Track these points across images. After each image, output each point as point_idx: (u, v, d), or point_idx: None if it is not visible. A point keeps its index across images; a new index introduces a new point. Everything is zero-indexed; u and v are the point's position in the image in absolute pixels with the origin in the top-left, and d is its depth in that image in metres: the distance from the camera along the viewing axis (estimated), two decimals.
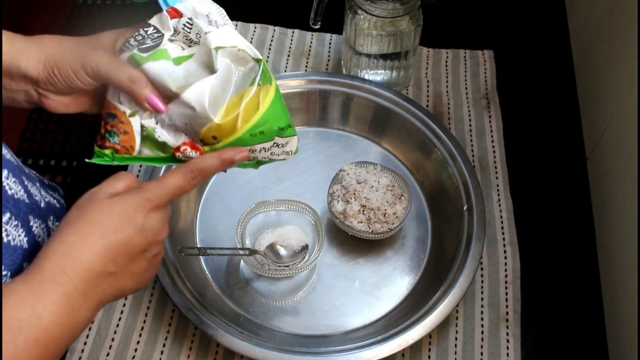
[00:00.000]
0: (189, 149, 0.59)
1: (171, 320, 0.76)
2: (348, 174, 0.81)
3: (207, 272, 0.80)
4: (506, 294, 0.78)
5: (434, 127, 0.85)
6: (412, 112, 0.87)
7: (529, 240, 0.83)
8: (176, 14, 0.59)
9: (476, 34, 1.04)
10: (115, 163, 0.60)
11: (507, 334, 0.76)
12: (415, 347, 0.75)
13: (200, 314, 0.70)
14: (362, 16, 0.85)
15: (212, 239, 0.83)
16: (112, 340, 0.75)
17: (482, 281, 0.79)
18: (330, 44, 1.02)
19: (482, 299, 0.78)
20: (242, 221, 0.80)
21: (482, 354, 0.75)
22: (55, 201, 0.75)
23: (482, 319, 0.77)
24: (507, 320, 0.76)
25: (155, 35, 0.59)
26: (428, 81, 0.97)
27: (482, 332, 0.76)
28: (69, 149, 1.86)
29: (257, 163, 0.63)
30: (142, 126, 0.59)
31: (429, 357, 0.75)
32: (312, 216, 0.81)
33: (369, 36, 0.86)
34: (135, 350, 0.75)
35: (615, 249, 0.81)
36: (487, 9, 1.07)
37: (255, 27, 1.04)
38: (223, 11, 0.61)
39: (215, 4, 0.61)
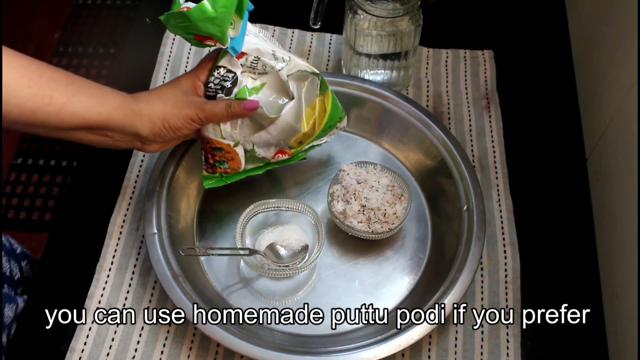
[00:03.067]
0: (280, 155, 0.79)
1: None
2: (348, 174, 0.81)
3: (207, 272, 0.80)
4: (506, 294, 0.78)
5: (434, 127, 0.85)
6: (412, 112, 0.87)
7: (529, 240, 0.83)
8: (242, 55, 0.72)
9: (476, 34, 1.04)
10: (227, 182, 0.80)
11: (507, 334, 0.76)
12: (415, 347, 0.75)
13: (200, 314, 0.70)
14: (362, 16, 0.85)
15: (212, 239, 0.83)
16: (112, 340, 0.75)
17: (482, 281, 0.79)
18: (330, 44, 1.02)
19: (482, 299, 0.78)
20: (242, 221, 0.80)
21: (482, 354, 0.75)
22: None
23: (482, 318, 0.77)
24: (507, 320, 0.76)
25: (230, 75, 0.72)
26: (428, 81, 0.97)
27: (482, 332, 0.76)
28: (69, 149, 1.86)
29: (315, 146, 0.81)
30: (245, 150, 0.78)
31: (429, 357, 0.75)
32: (312, 216, 0.81)
33: (369, 36, 0.86)
34: (135, 350, 0.75)
35: (615, 249, 0.81)
36: (487, 9, 1.07)
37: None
38: (277, 42, 0.77)
39: (272, 37, 0.76)
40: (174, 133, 0.71)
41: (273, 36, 1.02)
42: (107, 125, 0.67)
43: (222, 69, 0.72)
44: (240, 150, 0.77)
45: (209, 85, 0.72)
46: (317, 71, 0.76)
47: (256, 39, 0.73)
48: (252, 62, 0.73)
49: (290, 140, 0.78)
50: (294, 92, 0.75)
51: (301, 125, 0.76)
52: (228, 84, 0.72)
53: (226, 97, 0.72)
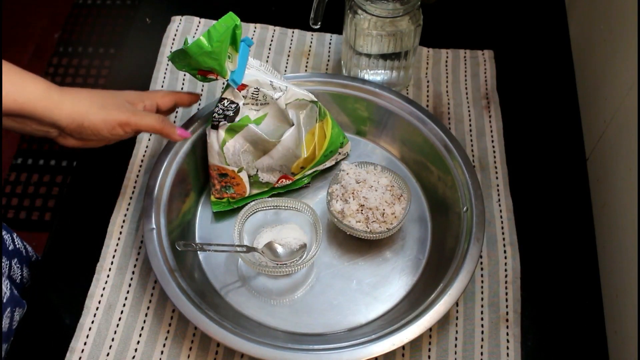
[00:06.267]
0: (284, 180, 0.83)
1: (171, 320, 0.76)
2: (347, 174, 0.81)
3: (206, 272, 0.80)
4: (506, 294, 0.78)
5: (434, 128, 0.85)
6: (412, 113, 0.87)
7: (529, 240, 0.83)
8: (243, 87, 0.76)
9: (476, 34, 1.04)
10: (234, 206, 0.83)
11: (507, 334, 0.76)
12: (415, 346, 0.75)
13: (200, 313, 0.70)
14: (362, 16, 0.85)
15: (211, 236, 0.83)
16: (112, 340, 0.75)
17: (482, 281, 0.79)
18: (330, 44, 1.02)
19: (482, 299, 0.78)
20: (240, 219, 0.80)
21: (482, 354, 0.75)
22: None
23: (482, 319, 0.77)
24: (507, 320, 0.76)
25: (232, 106, 0.77)
26: (428, 81, 0.97)
27: (482, 332, 0.76)
28: (68, 149, 1.86)
29: (318, 171, 0.86)
30: (249, 176, 0.81)
31: (429, 357, 0.75)
32: (311, 215, 0.81)
33: (369, 36, 0.86)
34: (135, 350, 0.75)
35: (615, 249, 0.81)
36: (487, 9, 1.07)
37: (255, 27, 1.04)
38: (277, 74, 0.81)
39: (272, 70, 0.80)
40: (93, 133, 0.70)
41: (273, 36, 1.03)
42: (23, 113, 0.65)
43: (225, 100, 0.77)
44: (244, 176, 0.81)
45: (214, 115, 0.77)
46: (314, 99, 0.80)
47: (257, 72, 0.77)
48: (253, 94, 0.77)
49: (292, 166, 0.81)
50: (293, 119, 0.79)
51: (301, 150, 0.80)
52: (230, 113, 0.77)
53: (229, 124, 0.76)
